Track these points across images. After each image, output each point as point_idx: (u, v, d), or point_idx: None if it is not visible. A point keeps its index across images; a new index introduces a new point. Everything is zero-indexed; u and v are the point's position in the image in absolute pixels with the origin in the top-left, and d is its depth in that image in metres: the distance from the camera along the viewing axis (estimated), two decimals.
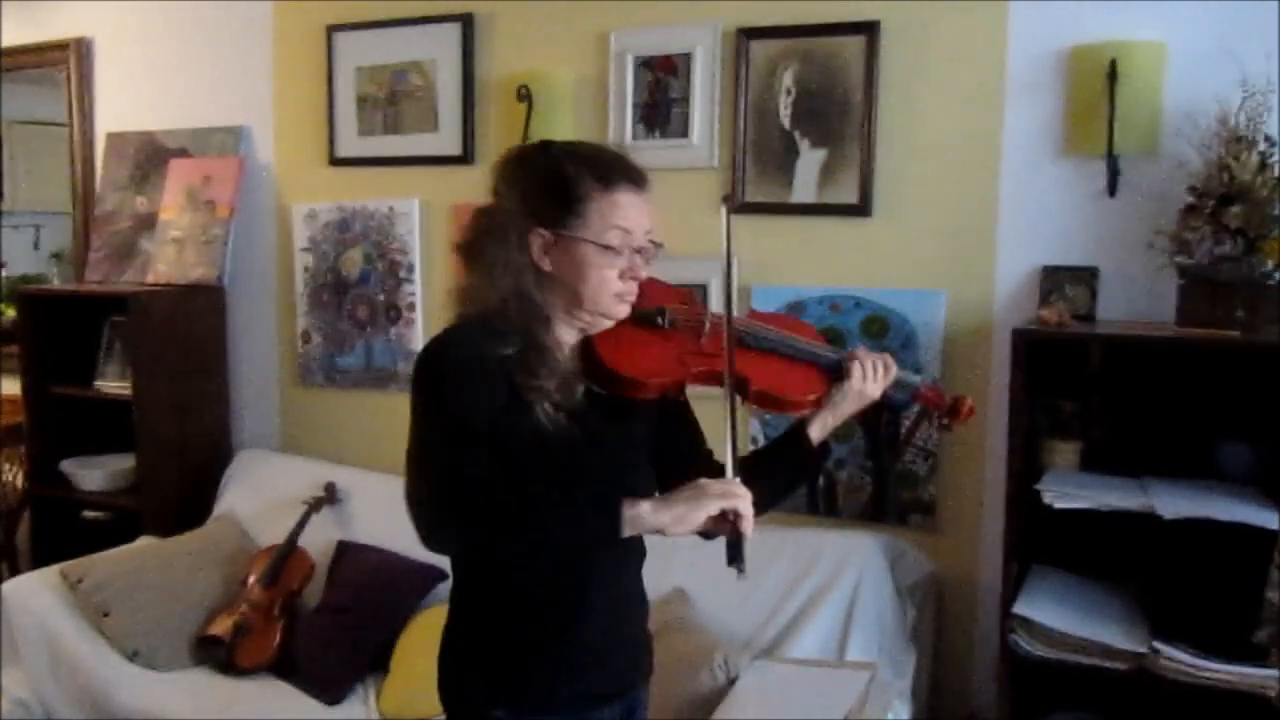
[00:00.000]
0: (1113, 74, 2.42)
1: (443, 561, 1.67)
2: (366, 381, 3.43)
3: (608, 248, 1.47)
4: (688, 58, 2.91)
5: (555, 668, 1.54)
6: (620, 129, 2.99)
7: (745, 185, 2.87)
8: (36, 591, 2.94)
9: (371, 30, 3.35)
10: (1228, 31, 2.33)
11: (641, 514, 1.39)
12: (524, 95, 3.04)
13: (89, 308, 3.57)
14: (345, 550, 3.08)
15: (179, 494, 3.47)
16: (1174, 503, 2.10)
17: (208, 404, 3.60)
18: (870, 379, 1.62)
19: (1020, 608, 2.23)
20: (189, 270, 3.61)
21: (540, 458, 1.48)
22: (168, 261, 3.65)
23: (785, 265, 2.84)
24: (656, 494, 1.63)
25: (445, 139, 3.26)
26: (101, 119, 3.91)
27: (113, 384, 3.50)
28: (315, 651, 2.85)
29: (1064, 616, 2.21)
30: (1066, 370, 2.44)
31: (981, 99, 2.62)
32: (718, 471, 1.62)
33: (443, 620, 1.63)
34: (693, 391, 1.65)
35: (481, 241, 1.52)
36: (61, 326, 3.56)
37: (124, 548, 3.19)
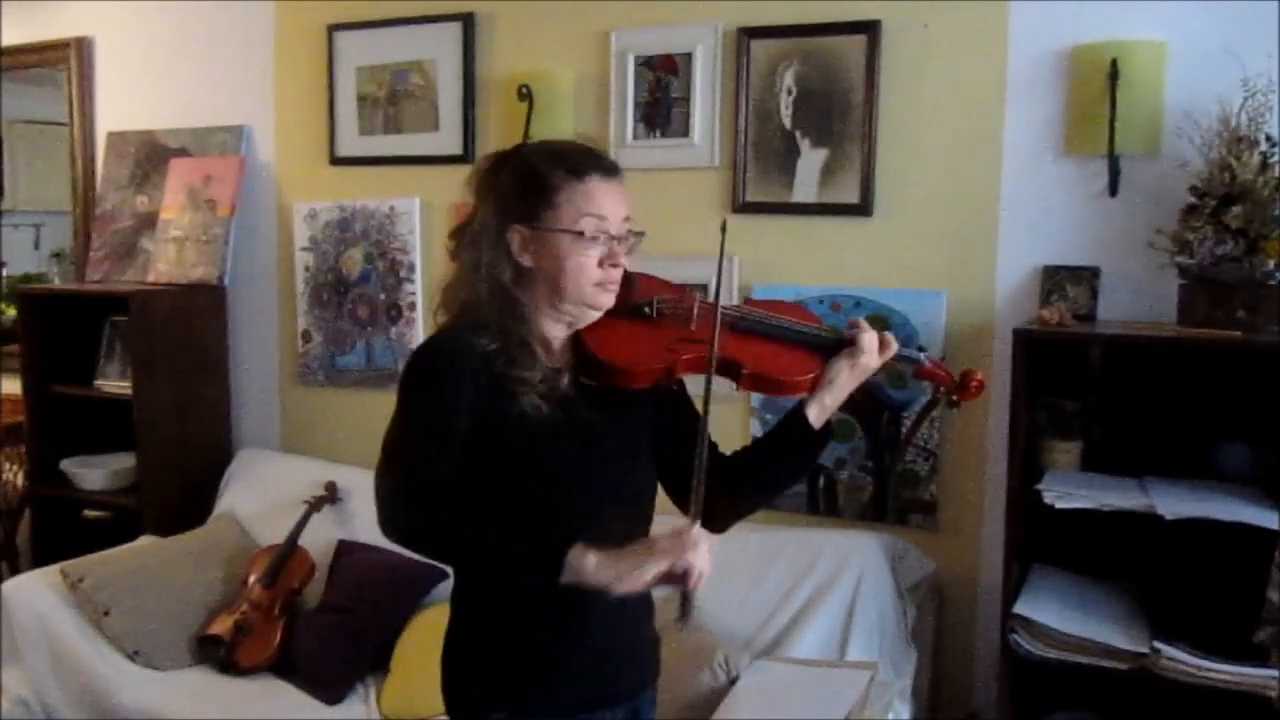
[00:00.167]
0: (1114, 74, 2.42)
1: None
2: (367, 381, 3.43)
3: (581, 234, 1.49)
4: (689, 57, 2.91)
5: (556, 670, 1.54)
6: (621, 128, 3.00)
7: (746, 185, 2.87)
8: (37, 591, 2.94)
9: (372, 30, 3.35)
10: (1229, 31, 2.33)
11: (586, 567, 1.38)
12: (525, 95, 3.04)
13: (89, 307, 3.57)
14: (346, 550, 3.07)
15: (179, 493, 3.47)
16: (1175, 503, 2.10)
17: (208, 403, 3.60)
18: (870, 349, 1.60)
19: (1021, 607, 2.23)
20: (189, 270, 3.61)
21: (528, 450, 1.49)
22: (168, 261, 3.65)
23: (786, 265, 2.84)
24: (657, 486, 1.66)
25: (446, 138, 3.26)
26: (102, 118, 3.91)
27: (113, 383, 3.50)
28: (315, 651, 2.85)
29: (1065, 616, 2.20)
30: (1067, 370, 2.44)
31: (982, 98, 2.62)
32: (719, 464, 1.62)
33: (443, 620, 1.63)
34: (694, 390, 1.64)
35: (462, 244, 1.56)
36: (62, 326, 3.56)
37: (124, 547, 3.19)
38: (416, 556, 2.89)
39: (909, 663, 2.55)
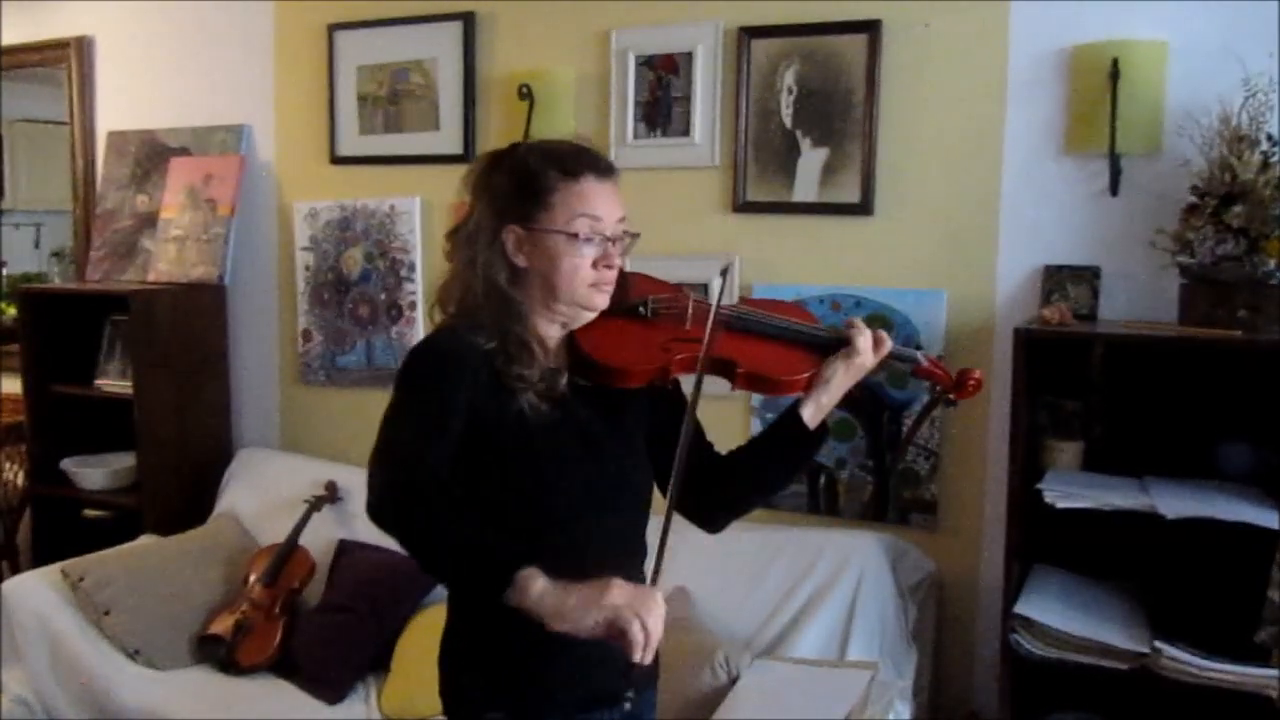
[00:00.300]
0: (1115, 73, 2.42)
1: None
2: (367, 380, 3.43)
3: (575, 235, 1.48)
4: (689, 56, 2.91)
5: (553, 669, 1.53)
6: (621, 128, 2.99)
7: (747, 184, 2.87)
8: (37, 590, 2.94)
9: (372, 29, 3.35)
10: (1230, 30, 2.33)
11: (531, 592, 1.29)
12: (525, 94, 3.04)
13: (90, 306, 3.57)
14: (346, 549, 3.07)
15: (180, 493, 3.47)
16: (1176, 502, 2.09)
17: (208, 403, 3.60)
18: (865, 349, 1.59)
19: (1021, 607, 2.22)
20: (190, 269, 3.61)
21: (525, 450, 1.49)
22: (168, 260, 3.65)
23: (786, 264, 2.84)
24: (654, 486, 1.65)
25: (446, 138, 3.26)
26: (102, 117, 3.91)
27: (113, 383, 3.50)
28: (316, 650, 2.85)
29: (1065, 616, 2.20)
30: (1068, 370, 2.43)
31: (983, 98, 2.61)
32: (715, 464, 1.62)
33: (444, 619, 1.64)
34: (689, 389, 1.63)
35: (457, 243, 1.56)
36: (62, 325, 3.56)
37: (125, 546, 3.19)
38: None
39: (909, 662, 2.55)
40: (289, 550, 3.08)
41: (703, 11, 2.88)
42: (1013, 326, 2.34)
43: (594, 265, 1.51)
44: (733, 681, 2.37)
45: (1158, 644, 2.10)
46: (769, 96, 2.83)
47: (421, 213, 3.32)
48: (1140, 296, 2.47)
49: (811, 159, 2.80)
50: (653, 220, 2.70)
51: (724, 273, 1.61)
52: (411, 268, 3.35)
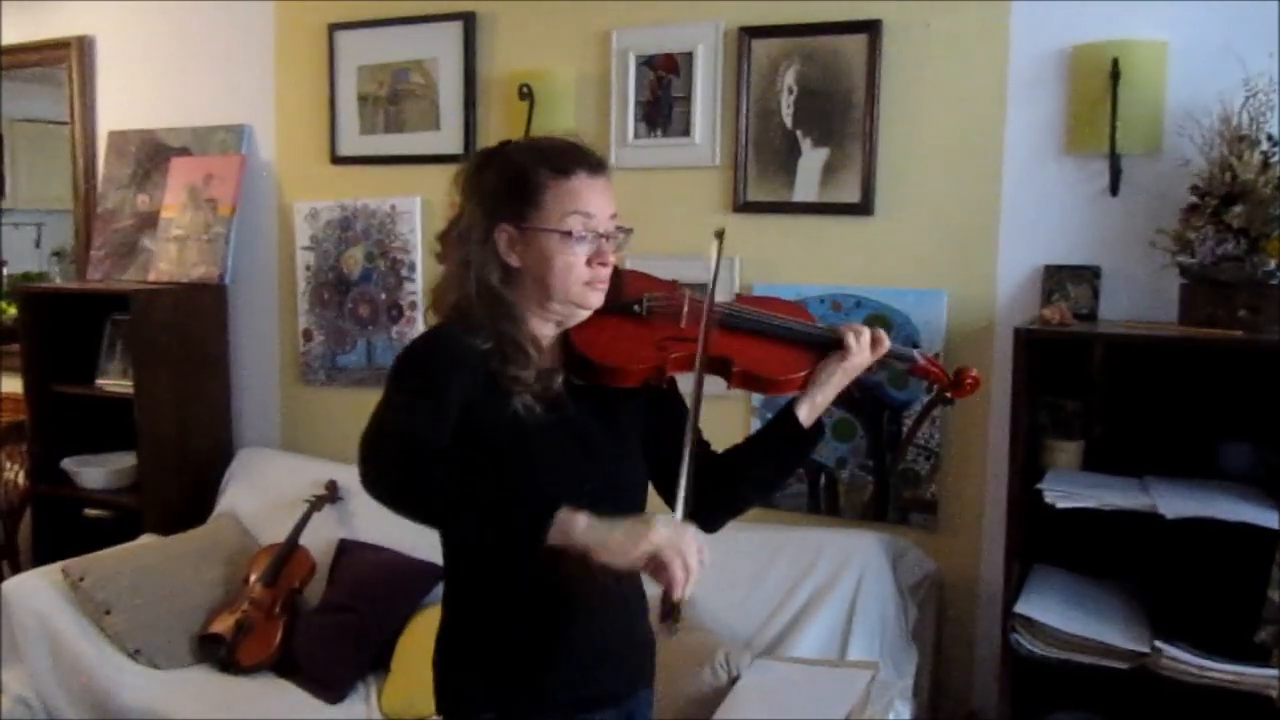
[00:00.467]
0: (1115, 73, 2.42)
1: None
2: (368, 380, 3.43)
3: (568, 233, 1.47)
4: (689, 56, 2.91)
5: (547, 670, 1.53)
6: (622, 127, 3.00)
7: (747, 184, 2.87)
8: (38, 590, 2.94)
9: (373, 29, 3.35)
10: (1230, 30, 2.33)
11: (575, 527, 1.32)
12: (525, 94, 3.04)
13: (90, 306, 3.57)
14: (346, 549, 3.08)
15: (180, 492, 3.47)
16: (1176, 502, 2.09)
17: (209, 402, 3.61)
18: (860, 349, 1.59)
19: (1022, 607, 2.22)
20: (190, 269, 3.61)
21: (520, 450, 1.47)
22: (169, 260, 3.65)
23: (787, 264, 2.84)
24: (649, 485, 1.64)
25: (447, 137, 3.26)
26: (103, 117, 3.92)
27: (114, 382, 3.50)
28: (316, 650, 2.86)
29: (1065, 616, 2.20)
30: (1068, 369, 2.43)
31: (983, 98, 2.61)
32: (711, 463, 1.62)
33: None
34: (685, 388, 1.63)
35: (449, 245, 1.55)
36: (63, 325, 3.56)
37: (125, 546, 3.19)
38: (418, 555, 2.91)
39: (910, 662, 2.55)
40: (289, 550, 3.08)
41: (703, 11, 2.89)
42: (1013, 326, 2.34)
43: (588, 263, 1.49)
44: (733, 681, 2.37)
45: (1158, 644, 2.09)
46: (769, 96, 2.83)
47: (422, 213, 3.32)
48: (1140, 296, 2.47)
49: (812, 159, 2.80)
50: (653, 220, 2.72)
51: (719, 235, 1.58)
52: (412, 267, 3.35)
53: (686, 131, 2.93)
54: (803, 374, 1.60)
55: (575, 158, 1.51)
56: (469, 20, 3.19)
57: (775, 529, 2.72)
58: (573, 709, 1.55)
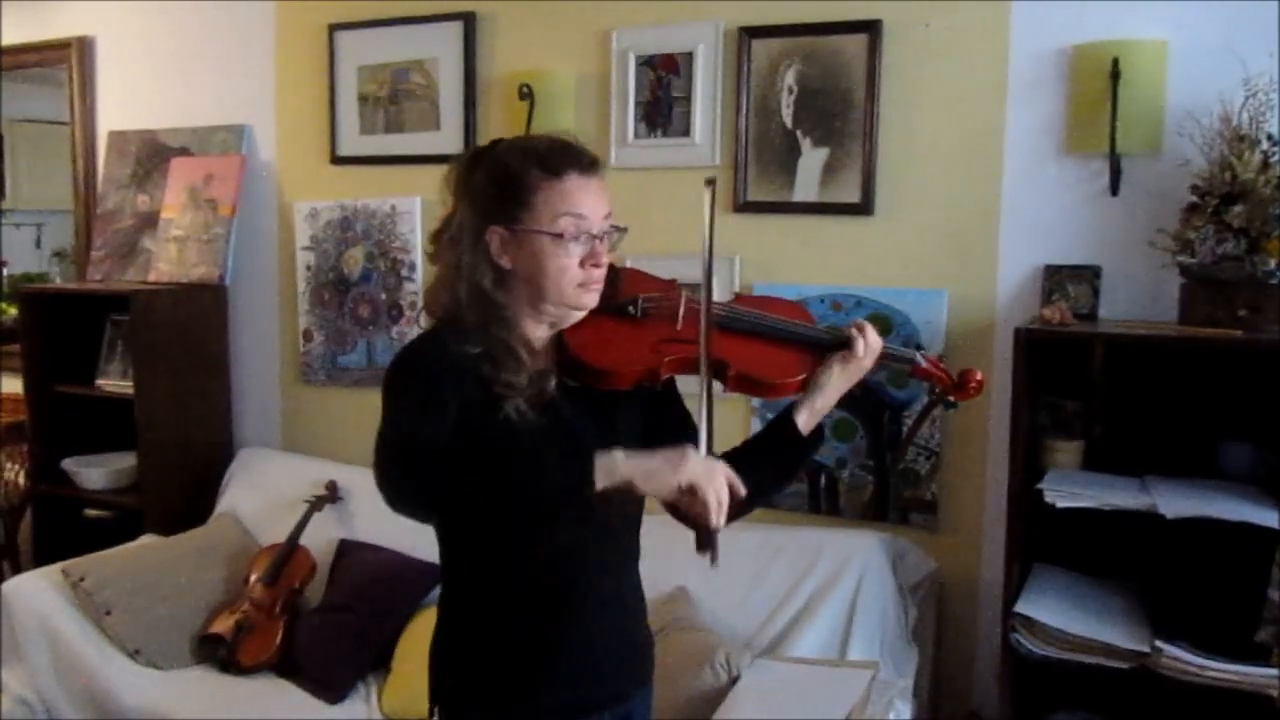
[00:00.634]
0: (1115, 73, 2.42)
1: None
2: (368, 380, 3.43)
3: (560, 236, 1.45)
4: (689, 56, 2.91)
5: (543, 672, 1.51)
6: (622, 127, 3.00)
7: (747, 184, 2.87)
8: (38, 590, 2.94)
9: (373, 29, 3.35)
10: (1231, 30, 2.33)
11: (615, 461, 1.34)
12: (526, 94, 3.04)
13: (91, 306, 3.57)
14: (347, 549, 3.08)
15: (180, 492, 3.47)
16: (1176, 502, 2.09)
17: (209, 402, 3.61)
18: (860, 351, 1.56)
19: (1022, 607, 2.22)
20: (190, 269, 3.61)
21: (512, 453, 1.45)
22: (169, 260, 3.65)
23: (787, 264, 2.84)
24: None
25: (447, 137, 3.26)
26: (103, 117, 3.92)
27: (114, 382, 3.51)
28: (317, 650, 2.86)
29: (1066, 616, 2.20)
30: (1068, 369, 2.43)
31: (984, 98, 2.61)
32: None
33: None
34: (685, 387, 1.62)
35: (442, 245, 1.53)
36: (63, 325, 3.56)
37: (125, 546, 3.19)
38: (418, 555, 2.90)
39: (910, 662, 2.55)
40: (290, 550, 3.08)
41: (703, 11, 2.89)
42: (1013, 326, 2.34)
43: (581, 264, 1.47)
44: (733, 681, 2.37)
45: (1158, 643, 2.09)
46: (769, 96, 2.83)
47: (422, 213, 3.32)
48: (1140, 296, 2.47)
49: (812, 159, 2.80)
50: (653, 220, 2.72)
51: (710, 184, 1.54)
52: (412, 267, 3.35)
53: (686, 131, 2.93)
54: (801, 377, 1.57)
55: (567, 157, 1.48)
56: (469, 20, 3.19)
57: (775, 529, 2.72)
58: (570, 712, 1.53)
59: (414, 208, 3.33)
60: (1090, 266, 2.51)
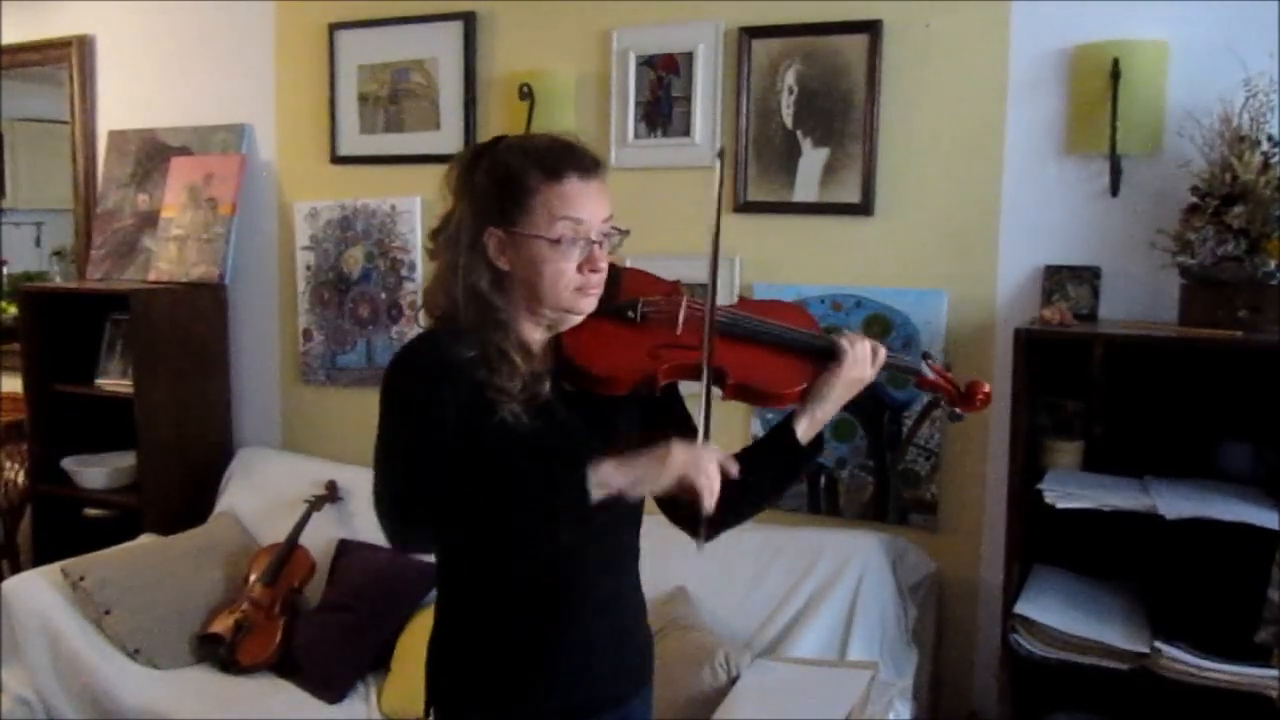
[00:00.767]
0: (1115, 73, 2.41)
1: None
2: (368, 380, 3.43)
3: (557, 241, 1.43)
4: (690, 56, 2.91)
5: (540, 674, 1.51)
6: (622, 127, 2.99)
7: (747, 184, 2.87)
8: (38, 589, 2.93)
9: (373, 28, 3.35)
10: (1231, 30, 2.33)
11: (608, 476, 1.37)
12: (526, 93, 3.04)
13: (90, 305, 3.57)
14: (346, 549, 3.08)
15: (180, 492, 3.47)
16: (1176, 503, 2.09)
17: (209, 402, 3.61)
18: (859, 362, 1.54)
19: (1022, 607, 2.22)
20: (190, 268, 3.61)
21: (509, 458, 1.44)
22: (169, 259, 3.65)
23: (787, 264, 2.84)
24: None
25: (447, 137, 3.26)
26: (103, 117, 3.92)
27: (114, 382, 3.51)
28: (316, 650, 2.86)
29: (1065, 616, 2.20)
30: (1068, 370, 2.43)
31: (984, 98, 2.61)
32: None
33: None
34: (685, 387, 1.59)
35: (441, 244, 1.52)
36: (63, 324, 3.56)
37: (125, 546, 3.19)
38: (417, 555, 2.89)
39: (909, 662, 2.55)
40: (289, 550, 3.08)
41: (703, 11, 2.88)
42: (1013, 327, 2.33)
43: (579, 269, 1.45)
44: (733, 681, 2.37)
45: (1158, 644, 2.10)
46: (769, 96, 2.83)
47: (422, 212, 3.32)
48: (1140, 297, 2.47)
49: (812, 159, 2.80)
50: (653, 220, 2.72)
51: (720, 155, 1.53)
52: (412, 267, 3.35)
53: (687, 131, 2.93)
54: (800, 387, 1.54)
55: (567, 159, 1.45)
56: (469, 20, 3.19)
57: (775, 529, 2.71)
58: (569, 713, 1.52)
59: (414, 207, 3.33)
60: (1090, 267, 2.51)
